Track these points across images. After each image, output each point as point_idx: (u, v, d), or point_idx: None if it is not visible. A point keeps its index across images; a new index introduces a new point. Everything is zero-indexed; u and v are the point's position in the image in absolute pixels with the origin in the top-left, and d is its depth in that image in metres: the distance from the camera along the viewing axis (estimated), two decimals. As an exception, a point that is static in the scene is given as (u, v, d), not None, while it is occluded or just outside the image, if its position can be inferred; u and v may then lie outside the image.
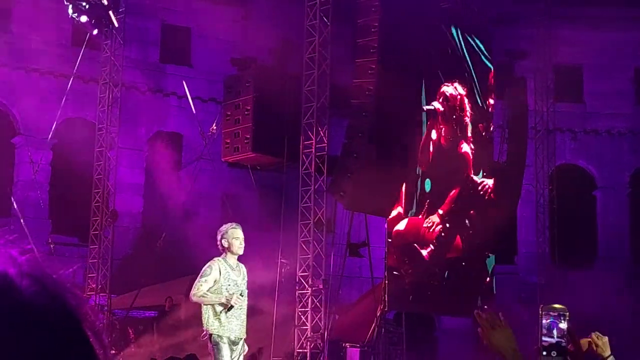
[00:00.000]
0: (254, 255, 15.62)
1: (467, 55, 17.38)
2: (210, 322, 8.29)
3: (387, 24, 14.19)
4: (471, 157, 17.49)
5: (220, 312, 8.27)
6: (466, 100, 17.43)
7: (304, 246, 14.18)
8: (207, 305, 8.31)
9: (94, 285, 16.09)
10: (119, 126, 17.10)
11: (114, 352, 13.71)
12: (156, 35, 21.04)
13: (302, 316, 14.01)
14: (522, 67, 20.32)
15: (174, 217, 18.53)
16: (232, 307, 8.25)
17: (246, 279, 8.54)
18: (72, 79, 17.40)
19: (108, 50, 16.91)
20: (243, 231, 8.54)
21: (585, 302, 17.65)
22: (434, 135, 16.57)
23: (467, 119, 17.49)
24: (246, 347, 8.68)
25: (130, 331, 16.01)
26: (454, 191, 16.93)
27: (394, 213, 15.22)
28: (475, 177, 17.56)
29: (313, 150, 14.45)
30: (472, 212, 17.27)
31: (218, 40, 19.98)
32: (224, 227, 8.56)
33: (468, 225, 17.33)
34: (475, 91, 17.63)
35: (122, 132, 17.49)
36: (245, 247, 8.53)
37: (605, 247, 23.07)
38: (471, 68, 17.53)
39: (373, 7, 14.20)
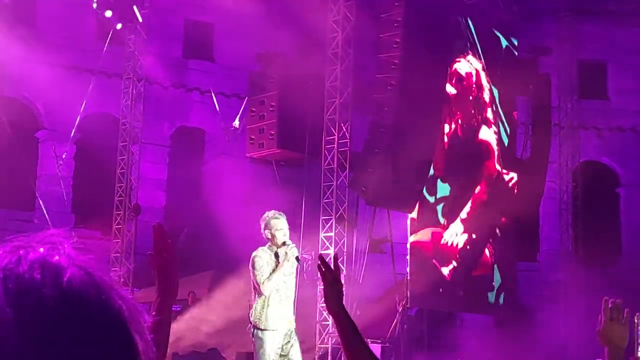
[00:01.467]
0: (276, 250, 15.64)
1: (478, 42, 16.35)
2: (257, 315, 8.18)
3: (410, 18, 14.12)
4: (495, 145, 16.31)
5: (271, 299, 8.15)
6: (483, 75, 16.16)
7: (325, 242, 14.17)
8: (266, 294, 8.15)
9: (116, 279, 16.16)
10: (142, 121, 17.19)
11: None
12: (179, 31, 21.10)
13: (323, 311, 14.00)
14: (545, 63, 20.18)
15: (196, 213, 18.58)
16: (297, 257, 8.21)
17: (295, 255, 8.39)
18: (96, 73, 17.49)
19: (132, 45, 16.99)
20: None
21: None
22: (447, 128, 15.52)
23: (487, 97, 16.21)
24: (296, 336, 8.50)
25: (153, 325, 16.10)
26: (477, 189, 15.88)
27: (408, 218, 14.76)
28: (503, 171, 16.35)
29: (335, 145, 14.43)
30: (503, 219, 16.10)
31: (241, 35, 19.98)
32: (266, 216, 8.44)
33: (499, 235, 16.15)
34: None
35: (145, 127, 17.57)
36: (266, 243, 8.44)
37: (628, 244, 22.88)
38: (480, 52, 16.32)
39: (396, 2, 14.15)
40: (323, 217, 14.40)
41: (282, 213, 8.50)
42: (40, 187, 18.90)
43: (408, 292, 14.59)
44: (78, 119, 17.63)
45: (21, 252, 0.89)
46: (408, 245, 14.91)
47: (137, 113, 17.10)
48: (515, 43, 17.44)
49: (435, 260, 14.95)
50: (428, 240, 14.94)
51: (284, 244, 8.23)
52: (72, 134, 18.02)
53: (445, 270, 15.08)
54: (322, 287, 2.87)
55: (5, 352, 0.81)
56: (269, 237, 8.31)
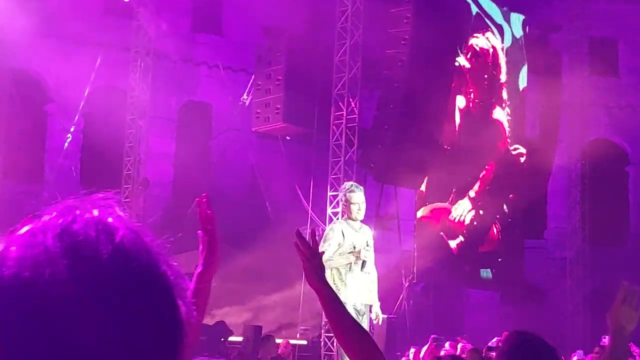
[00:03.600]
0: (283, 226, 15.66)
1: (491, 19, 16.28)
2: (334, 287, 7.89)
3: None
4: (506, 126, 16.26)
5: (347, 274, 7.91)
6: (500, 55, 16.04)
7: (333, 217, 14.16)
8: (332, 268, 7.89)
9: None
10: (150, 95, 17.17)
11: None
12: (188, 4, 21.01)
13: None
14: (556, 40, 20.05)
15: (204, 187, 18.58)
16: (364, 262, 7.91)
17: (372, 241, 8.15)
18: (104, 47, 17.46)
19: (140, 18, 16.94)
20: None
21: (615, 279, 17.51)
22: (460, 102, 15.37)
23: (502, 78, 16.12)
24: (380, 315, 8.26)
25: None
26: (487, 168, 15.81)
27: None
28: (511, 149, 16.35)
29: (344, 121, 14.40)
30: (511, 195, 16.05)
31: (250, 9, 19.88)
32: (344, 187, 8.28)
33: (506, 211, 16.07)
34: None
35: (153, 101, 17.55)
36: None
37: (637, 223, 22.84)
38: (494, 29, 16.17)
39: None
40: (330, 193, 14.40)
41: (359, 186, 8.25)
42: (49, 160, 18.93)
43: (414, 267, 14.62)
44: (86, 92, 17.62)
45: (76, 212, 0.92)
46: (415, 221, 14.93)
47: (145, 87, 17.08)
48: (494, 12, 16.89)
49: (443, 233, 14.95)
50: (436, 215, 14.95)
51: (364, 262, 7.94)
52: (80, 107, 18.02)
53: (453, 244, 15.10)
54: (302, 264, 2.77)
55: (59, 298, 0.85)
56: (345, 208, 8.15)
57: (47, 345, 0.84)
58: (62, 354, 0.84)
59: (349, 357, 2.74)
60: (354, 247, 7.97)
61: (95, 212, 0.93)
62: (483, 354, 9.58)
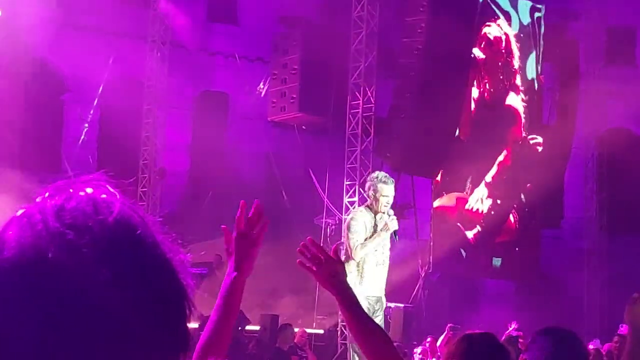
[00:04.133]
0: (298, 215, 15.68)
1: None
2: (352, 280, 7.60)
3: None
4: (521, 112, 16.24)
5: (364, 266, 7.74)
6: (513, 41, 15.97)
7: (349, 207, 14.17)
8: (356, 260, 7.73)
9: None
10: (166, 84, 17.21)
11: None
12: (203, -7, 21.02)
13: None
14: (573, 28, 19.92)
15: (220, 176, 18.63)
16: (396, 232, 7.76)
17: (394, 229, 7.91)
18: (120, 36, 17.49)
19: (157, 7, 16.98)
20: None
21: (632, 268, 17.44)
22: (475, 92, 15.41)
23: (516, 64, 16.08)
24: (384, 301, 8.17)
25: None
26: (503, 154, 15.86)
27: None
28: (529, 139, 16.30)
29: (360, 110, 14.38)
30: (528, 185, 16.02)
31: (266, -2, 19.87)
32: (375, 177, 7.88)
33: (524, 201, 16.06)
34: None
35: (169, 91, 17.59)
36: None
37: (654, 212, 22.69)
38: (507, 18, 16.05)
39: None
40: (347, 183, 14.39)
41: (391, 178, 7.90)
42: (66, 149, 19.01)
43: (431, 257, 14.61)
44: (103, 81, 17.67)
45: (70, 190, 0.95)
46: (432, 210, 14.90)
47: (162, 76, 17.12)
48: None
49: (459, 224, 14.94)
50: (452, 205, 14.93)
51: (395, 231, 7.77)
52: (96, 97, 18.08)
53: (470, 234, 15.07)
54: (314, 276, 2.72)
55: (66, 272, 0.87)
56: (372, 199, 7.79)
57: (61, 315, 0.85)
58: (76, 321, 0.85)
59: (364, 355, 2.78)
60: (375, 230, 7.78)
61: (89, 190, 0.96)
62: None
